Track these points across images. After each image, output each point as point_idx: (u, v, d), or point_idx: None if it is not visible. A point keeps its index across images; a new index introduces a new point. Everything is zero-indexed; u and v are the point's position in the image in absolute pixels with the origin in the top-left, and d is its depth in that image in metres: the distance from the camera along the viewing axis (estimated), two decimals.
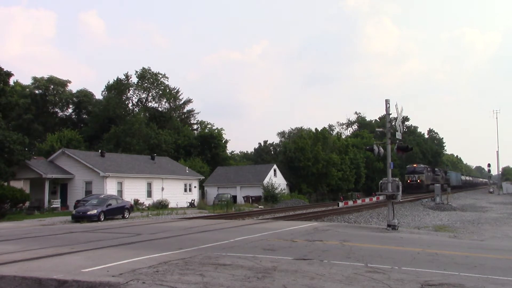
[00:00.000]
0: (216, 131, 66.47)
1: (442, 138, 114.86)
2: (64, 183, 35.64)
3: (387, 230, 15.59)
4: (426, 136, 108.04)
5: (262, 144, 77.39)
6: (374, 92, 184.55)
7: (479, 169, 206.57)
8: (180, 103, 70.38)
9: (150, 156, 43.65)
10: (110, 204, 25.13)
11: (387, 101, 16.50)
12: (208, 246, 10.22)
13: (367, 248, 10.79)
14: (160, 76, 64.68)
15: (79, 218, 23.22)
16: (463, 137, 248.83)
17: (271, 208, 35.72)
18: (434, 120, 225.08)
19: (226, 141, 66.82)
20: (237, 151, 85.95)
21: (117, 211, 25.53)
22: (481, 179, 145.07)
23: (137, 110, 63.59)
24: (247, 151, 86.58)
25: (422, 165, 66.50)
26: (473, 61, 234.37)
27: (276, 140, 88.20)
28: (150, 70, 63.81)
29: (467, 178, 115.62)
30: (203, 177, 46.45)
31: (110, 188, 33.80)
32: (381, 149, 17.96)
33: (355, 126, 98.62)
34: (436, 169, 73.55)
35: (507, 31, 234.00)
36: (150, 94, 65.44)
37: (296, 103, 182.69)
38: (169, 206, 36.58)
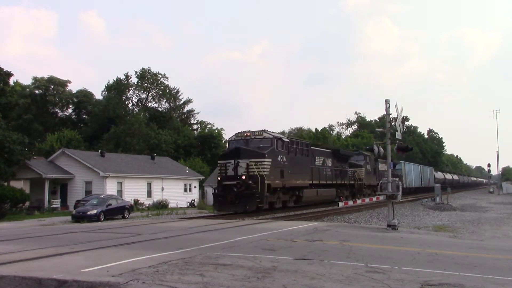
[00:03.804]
0: (216, 131, 66.47)
1: (442, 138, 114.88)
2: (64, 183, 35.65)
3: (387, 230, 15.59)
4: (426, 136, 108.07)
5: None
6: (374, 92, 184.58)
7: (479, 169, 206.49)
8: (180, 103, 70.42)
9: (150, 156, 43.66)
10: (110, 204, 25.15)
11: (387, 101, 16.50)
12: (208, 246, 10.22)
13: (367, 248, 10.80)
14: (160, 76, 64.74)
15: (79, 218, 23.23)
16: (463, 137, 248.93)
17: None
18: (434, 120, 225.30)
19: (226, 141, 66.84)
20: None
21: (117, 211, 25.54)
22: (473, 178, 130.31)
23: (137, 110, 63.60)
24: None
25: (363, 154, 40.03)
26: (473, 61, 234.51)
27: None
28: (150, 70, 63.92)
29: (453, 176, 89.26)
30: (203, 177, 46.45)
31: (110, 188, 33.81)
32: (381, 149, 17.97)
33: (355, 126, 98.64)
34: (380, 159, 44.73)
35: (507, 31, 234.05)
36: (150, 94, 65.49)
37: (296, 103, 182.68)
38: (169, 206, 36.60)
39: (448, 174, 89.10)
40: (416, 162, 69.12)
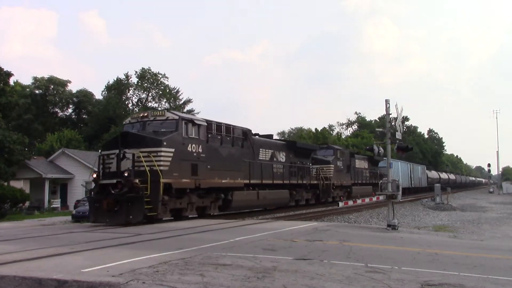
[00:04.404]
0: None
1: (442, 138, 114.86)
2: (64, 183, 35.65)
3: (387, 230, 15.60)
4: (426, 136, 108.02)
5: None
6: (374, 92, 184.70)
7: (479, 169, 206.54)
8: (180, 103, 70.35)
9: None
10: None
11: (387, 101, 16.50)
12: (208, 246, 10.22)
13: (367, 248, 10.80)
14: (160, 76, 64.71)
15: (79, 218, 23.20)
16: (463, 137, 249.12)
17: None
18: (434, 120, 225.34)
19: None
20: None
21: None
22: (472, 178, 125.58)
23: (137, 110, 63.59)
24: None
25: (332, 148, 35.21)
26: (473, 61, 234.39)
27: None
28: (150, 70, 63.85)
29: (449, 176, 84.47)
30: None
31: None
32: (381, 149, 17.97)
33: (355, 126, 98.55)
34: (358, 154, 41.78)
35: (508, 31, 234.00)
36: (150, 94, 65.46)
37: (296, 103, 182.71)
38: None
39: (443, 173, 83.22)
40: (416, 162, 67.81)
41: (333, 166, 32.61)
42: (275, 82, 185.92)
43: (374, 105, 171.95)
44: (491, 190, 69.56)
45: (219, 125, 20.06)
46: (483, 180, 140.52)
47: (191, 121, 18.27)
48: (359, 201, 33.60)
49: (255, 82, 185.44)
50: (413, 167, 56.40)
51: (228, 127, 20.82)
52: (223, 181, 19.83)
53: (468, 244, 13.10)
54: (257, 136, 24.56)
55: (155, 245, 10.79)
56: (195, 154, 18.05)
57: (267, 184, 23.99)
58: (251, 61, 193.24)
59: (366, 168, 41.44)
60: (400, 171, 48.82)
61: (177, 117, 17.73)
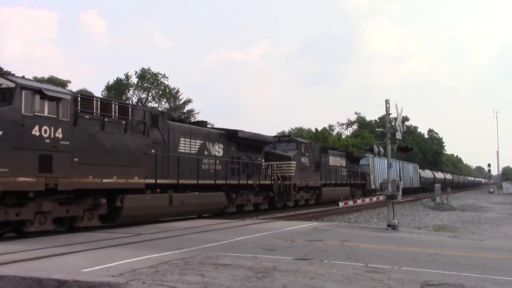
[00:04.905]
0: None
1: (442, 138, 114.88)
2: None
3: (387, 230, 15.60)
4: (426, 136, 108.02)
5: None
6: (374, 92, 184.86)
7: (479, 169, 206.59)
8: (180, 103, 70.37)
9: None
10: None
11: (387, 101, 16.51)
12: (208, 246, 10.22)
13: (367, 248, 10.80)
14: (160, 76, 64.73)
15: None
16: (463, 137, 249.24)
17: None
18: (434, 120, 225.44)
19: None
20: None
21: None
22: (471, 178, 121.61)
23: None
24: None
25: (295, 140, 28.96)
26: (473, 61, 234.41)
27: None
28: (150, 70, 63.86)
29: (445, 176, 79.83)
30: None
31: None
32: (381, 149, 17.97)
33: (355, 126, 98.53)
34: (333, 150, 35.95)
35: (508, 31, 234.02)
36: (150, 94, 65.46)
37: (296, 103, 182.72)
38: None
39: (439, 173, 78.55)
40: (416, 162, 66.99)
41: (295, 162, 26.53)
42: (275, 82, 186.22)
43: (374, 105, 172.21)
44: (491, 190, 69.59)
45: (101, 102, 14.39)
46: (483, 180, 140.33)
47: (40, 91, 12.32)
48: (359, 201, 33.65)
49: (255, 82, 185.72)
50: (403, 165, 50.81)
51: (121, 107, 15.18)
52: (104, 180, 14.05)
53: (468, 244, 13.10)
54: (178, 123, 19.66)
55: (155, 245, 10.79)
56: (47, 140, 12.39)
57: (190, 185, 18.34)
58: (251, 61, 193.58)
59: (344, 166, 35.38)
60: (386, 170, 43.16)
61: (13, 85, 11.99)
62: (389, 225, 15.89)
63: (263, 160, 24.43)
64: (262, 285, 6.49)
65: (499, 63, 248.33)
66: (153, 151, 16.35)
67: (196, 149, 19.13)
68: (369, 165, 40.84)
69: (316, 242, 11.37)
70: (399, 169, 48.98)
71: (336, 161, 34.03)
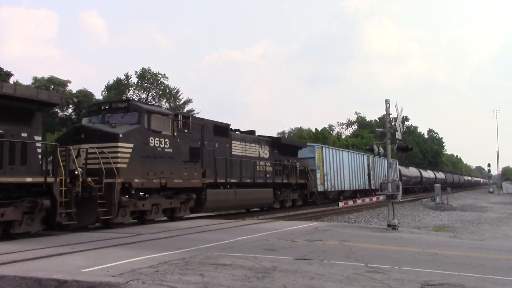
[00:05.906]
0: None
1: (442, 138, 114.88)
2: None
3: (387, 230, 15.60)
4: (426, 136, 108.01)
5: None
6: (374, 92, 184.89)
7: (479, 169, 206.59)
8: (180, 103, 70.35)
9: None
10: None
11: (387, 101, 16.51)
12: (208, 246, 10.22)
13: (367, 248, 10.80)
14: (160, 76, 64.74)
15: None
16: (463, 137, 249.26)
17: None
18: (434, 120, 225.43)
19: None
20: None
21: None
22: (468, 178, 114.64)
23: None
24: None
25: (139, 108, 15.78)
26: (473, 61, 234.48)
27: None
28: (150, 70, 63.86)
29: (436, 175, 67.87)
30: None
31: None
32: (381, 149, 17.96)
33: (355, 126, 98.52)
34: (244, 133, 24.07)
35: (508, 31, 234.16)
36: (150, 94, 65.45)
37: (296, 103, 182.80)
38: None
39: (428, 171, 66.63)
40: (416, 162, 65.76)
41: (127, 145, 14.91)
42: (275, 82, 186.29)
43: (374, 105, 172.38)
44: (491, 190, 69.62)
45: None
46: (481, 180, 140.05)
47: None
48: (359, 201, 33.65)
49: (255, 82, 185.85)
50: (373, 160, 38.96)
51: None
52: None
53: (468, 244, 13.10)
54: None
55: (155, 245, 10.79)
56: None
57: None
58: (251, 61, 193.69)
59: (265, 157, 24.45)
60: (342, 166, 33.13)
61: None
62: (389, 225, 15.89)
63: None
64: (262, 285, 6.49)
65: (499, 63, 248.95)
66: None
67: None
68: (314, 158, 29.35)
69: (316, 242, 11.37)
70: (369, 165, 38.43)
71: (249, 149, 23.08)
